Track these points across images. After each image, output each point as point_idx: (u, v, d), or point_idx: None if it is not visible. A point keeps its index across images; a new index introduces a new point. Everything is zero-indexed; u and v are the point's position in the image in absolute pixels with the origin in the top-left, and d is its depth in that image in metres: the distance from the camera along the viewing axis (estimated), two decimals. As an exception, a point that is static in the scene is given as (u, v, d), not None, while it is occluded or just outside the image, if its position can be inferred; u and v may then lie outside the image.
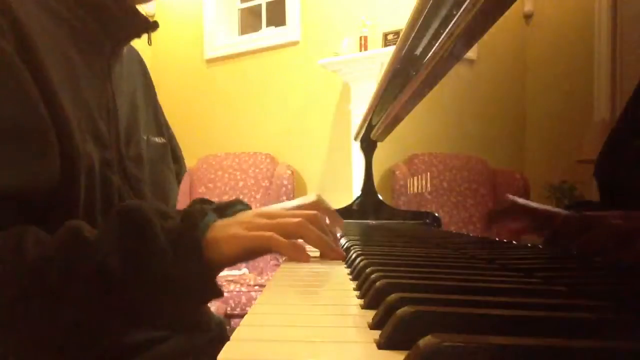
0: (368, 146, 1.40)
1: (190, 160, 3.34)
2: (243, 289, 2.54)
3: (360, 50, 2.95)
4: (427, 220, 1.07)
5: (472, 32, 0.65)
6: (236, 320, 2.44)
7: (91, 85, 0.66)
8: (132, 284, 0.50)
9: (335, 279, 0.49)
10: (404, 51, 0.85)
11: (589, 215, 0.44)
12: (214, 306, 2.32)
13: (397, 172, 1.33)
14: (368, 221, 1.34)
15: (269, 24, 3.66)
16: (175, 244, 0.51)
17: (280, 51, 3.44)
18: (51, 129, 0.56)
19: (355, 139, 1.45)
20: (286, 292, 0.42)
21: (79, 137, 0.59)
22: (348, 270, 0.52)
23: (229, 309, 2.48)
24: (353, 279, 0.47)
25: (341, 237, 0.82)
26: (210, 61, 3.72)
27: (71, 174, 0.57)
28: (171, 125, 0.90)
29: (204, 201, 0.88)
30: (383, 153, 1.37)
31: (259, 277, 2.71)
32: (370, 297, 0.35)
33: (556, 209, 0.52)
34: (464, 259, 0.59)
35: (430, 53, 0.75)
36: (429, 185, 1.01)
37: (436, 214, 1.02)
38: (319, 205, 0.71)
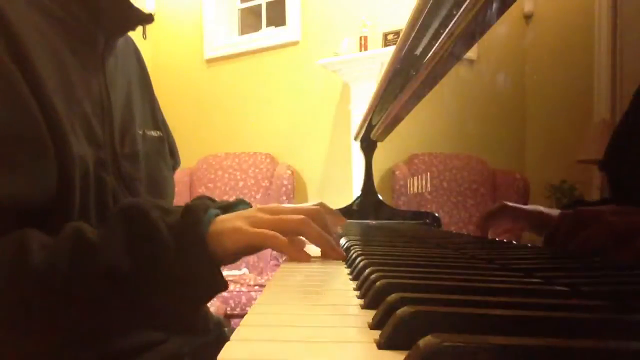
0: (368, 146, 1.40)
1: (190, 160, 3.35)
2: (243, 289, 2.55)
3: (360, 50, 2.95)
4: (427, 220, 1.07)
5: (472, 32, 0.65)
6: (236, 320, 2.45)
7: (85, 83, 0.65)
8: (142, 283, 0.50)
9: (335, 279, 0.49)
10: (404, 51, 0.85)
11: (586, 212, 0.44)
12: (214, 306, 2.33)
13: (397, 172, 1.33)
14: (368, 221, 1.34)
15: (269, 24, 3.66)
16: (180, 239, 0.51)
17: (280, 51, 3.44)
18: (46, 135, 0.55)
19: (355, 139, 1.45)
20: (286, 292, 0.42)
21: (73, 140, 0.58)
22: (348, 270, 0.52)
23: (229, 309, 2.48)
24: (353, 279, 0.47)
25: (341, 237, 0.82)
26: (210, 61, 3.72)
27: (66, 178, 0.57)
28: (171, 125, 0.90)
29: (207, 198, 0.88)
30: (383, 153, 1.37)
31: (259, 277, 2.72)
32: (370, 297, 0.35)
33: (548, 209, 0.52)
34: (464, 259, 0.59)
35: (430, 53, 0.75)
36: (429, 185, 1.01)
37: (436, 214, 1.02)
38: (322, 205, 0.71)
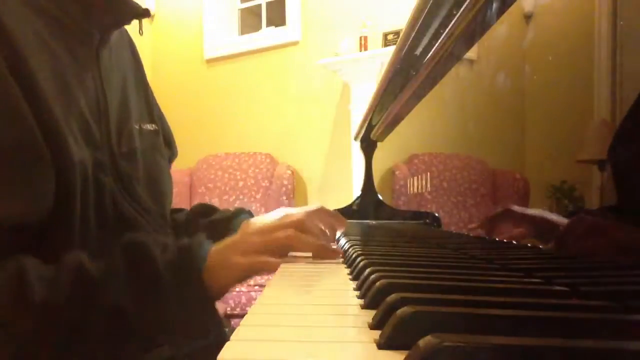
0: (368, 146, 1.40)
1: (190, 160, 3.35)
2: (243, 289, 2.54)
3: (360, 50, 2.95)
4: (427, 220, 1.07)
5: (472, 32, 0.65)
6: (236, 320, 2.44)
7: (81, 82, 0.65)
8: (143, 320, 0.52)
9: (335, 279, 0.49)
10: (404, 51, 0.85)
11: (593, 222, 0.44)
12: (214, 306, 2.32)
13: (397, 172, 1.33)
14: (368, 221, 1.34)
15: (269, 24, 3.66)
16: (177, 279, 0.53)
17: (280, 51, 3.44)
18: (43, 149, 0.55)
19: (355, 139, 1.45)
20: (286, 292, 0.42)
21: (73, 144, 0.58)
22: (348, 270, 0.52)
23: (229, 309, 2.48)
24: (353, 279, 0.47)
25: (341, 237, 0.82)
26: (210, 61, 3.72)
27: (67, 187, 0.57)
28: (171, 125, 0.89)
29: (207, 207, 0.88)
30: (383, 153, 1.37)
31: (259, 277, 2.71)
32: (370, 297, 0.35)
33: (553, 215, 0.52)
34: (464, 259, 0.59)
35: (430, 53, 0.75)
36: (429, 185, 1.01)
37: (436, 214, 1.02)
38: (321, 208, 0.72)
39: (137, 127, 0.75)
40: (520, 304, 0.31)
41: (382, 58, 2.76)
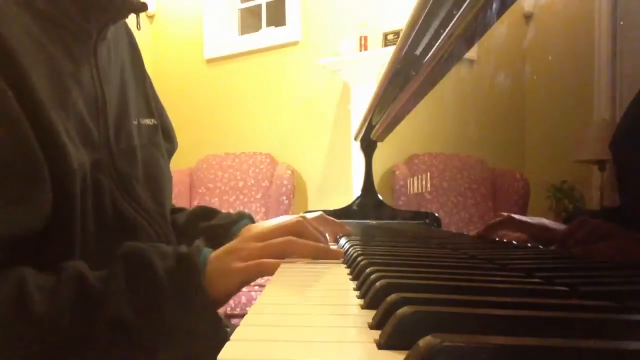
0: (368, 146, 1.40)
1: (190, 160, 3.35)
2: (243, 289, 2.54)
3: (360, 50, 2.95)
4: (427, 220, 1.07)
5: (472, 32, 0.65)
6: (236, 320, 2.44)
7: (78, 82, 0.64)
8: (144, 329, 0.52)
9: (335, 279, 0.49)
10: (404, 51, 0.85)
11: (597, 226, 0.44)
12: (214, 306, 2.32)
13: (397, 172, 1.33)
14: (368, 221, 1.34)
15: (269, 24, 3.66)
16: (178, 286, 0.53)
17: (280, 51, 3.44)
18: (40, 157, 0.54)
19: (355, 139, 1.45)
20: (286, 292, 0.42)
21: (71, 148, 0.58)
22: (348, 270, 0.52)
23: (229, 309, 2.48)
24: (353, 279, 0.47)
25: (341, 237, 0.82)
26: (210, 61, 3.72)
27: (67, 193, 0.57)
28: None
29: (208, 210, 0.88)
30: (383, 153, 1.37)
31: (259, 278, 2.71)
32: (370, 297, 0.35)
33: (553, 223, 0.52)
34: (464, 259, 0.59)
35: (430, 53, 0.75)
36: (429, 185, 1.01)
37: (436, 214, 1.02)
38: (322, 216, 0.72)
39: (135, 122, 0.74)
40: (520, 304, 0.31)
41: (382, 58, 2.75)
